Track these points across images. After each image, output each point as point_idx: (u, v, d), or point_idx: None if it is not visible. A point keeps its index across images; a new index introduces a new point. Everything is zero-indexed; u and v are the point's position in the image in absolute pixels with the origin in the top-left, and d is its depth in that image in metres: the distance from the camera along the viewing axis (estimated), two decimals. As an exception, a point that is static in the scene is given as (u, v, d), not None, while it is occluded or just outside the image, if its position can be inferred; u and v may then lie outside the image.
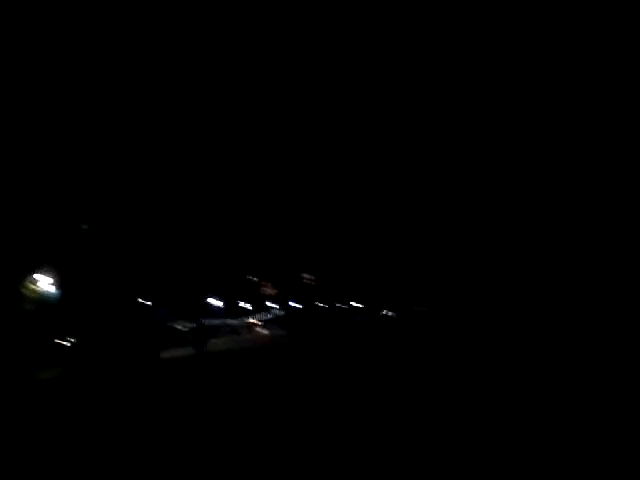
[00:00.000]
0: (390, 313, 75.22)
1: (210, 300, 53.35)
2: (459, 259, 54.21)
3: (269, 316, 63.27)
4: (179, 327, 43.03)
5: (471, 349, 24.45)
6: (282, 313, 64.91)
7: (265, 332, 55.87)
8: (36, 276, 32.66)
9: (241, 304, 59.76)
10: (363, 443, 9.18)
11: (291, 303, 66.85)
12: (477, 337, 31.71)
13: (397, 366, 19.89)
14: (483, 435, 9.09)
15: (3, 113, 31.47)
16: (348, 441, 9.41)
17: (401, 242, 62.53)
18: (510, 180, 42.98)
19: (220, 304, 54.23)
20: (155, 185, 42.60)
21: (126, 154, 39.27)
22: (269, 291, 66.38)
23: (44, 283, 33.04)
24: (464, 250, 52.52)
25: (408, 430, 9.86)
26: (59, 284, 33.36)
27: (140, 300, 41.39)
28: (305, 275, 70.09)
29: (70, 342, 32.38)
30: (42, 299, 32.72)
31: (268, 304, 65.10)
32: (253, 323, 58.91)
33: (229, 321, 54.24)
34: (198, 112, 40.71)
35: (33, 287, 32.61)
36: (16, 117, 32.22)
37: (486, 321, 42.04)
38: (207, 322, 47.44)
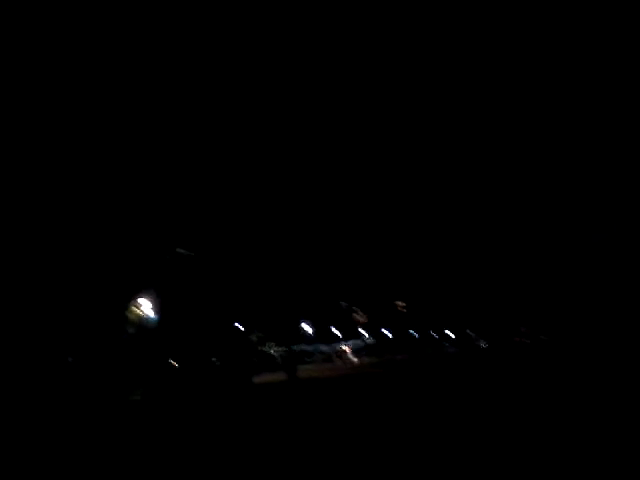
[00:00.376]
0: (484, 343, 72.94)
1: (302, 325, 53.74)
2: (554, 289, 52.09)
3: (360, 343, 62.82)
4: (271, 352, 43.59)
5: (571, 383, 23.14)
6: (373, 341, 64.33)
7: (356, 359, 55.50)
8: (139, 300, 34.15)
9: (332, 330, 59.74)
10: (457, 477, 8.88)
11: (383, 331, 66.18)
12: (578, 369, 30.03)
13: (491, 399, 19.12)
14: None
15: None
16: (440, 475, 9.13)
17: (497, 272, 60.81)
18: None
19: (312, 330, 54.49)
20: (248, 212, 43.70)
21: (217, 181, 40.49)
22: (360, 318, 65.99)
23: (146, 307, 34.46)
24: (560, 280, 50.45)
25: (502, 465, 9.44)
26: (159, 308, 34.65)
27: (234, 324, 42.28)
28: (397, 302, 69.26)
29: (168, 364, 33.54)
30: (143, 322, 34.09)
31: (359, 331, 64.69)
32: (344, 350, 58.70)
33: (320, 347, 54.36)
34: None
35: (136, 311, 34.07)
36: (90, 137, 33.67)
37: (588, 353, 39.85)
38: (298, 348, 47.82)
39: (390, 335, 66.42)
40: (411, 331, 68.77)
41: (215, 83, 35.89)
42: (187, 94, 36.23)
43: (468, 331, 74.46)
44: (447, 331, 75.02)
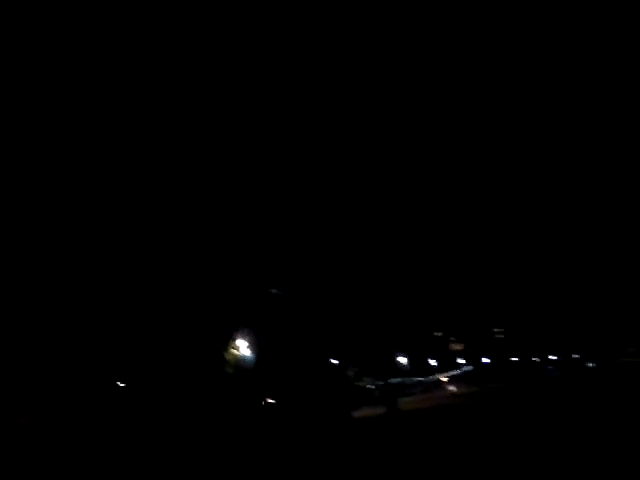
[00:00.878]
0: (590, 365, 69.34)
1: (398, 358, 53.23)
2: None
3: (458, 372, 61.34)
4: (368, 386, 43.37)
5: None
6: (471, 369, 62.65)
7: (455, 389, 54.29)
8: (236, 341, 35.11)
9: (429, 361, 58.70)
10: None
11: (480, 358, 64.36)
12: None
13: (603, 425, 18.31)
14: None
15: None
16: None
17: (601, 290, 58.21)
18: None
19: (407, 361, 53.82)
20: (337, 247, 44.12)
21: (302, 219, 41.07)
22: (457, 347, 64.54)
23: (243, 347, 35.35)
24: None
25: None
26: (256, 348, 35.43)
27: (330, 359, 42.47)
28: (494, 328, 67.31)
29: (267, 402, 34.12)
30: (241, 362, 34.95)
31: (456, 360, 63.21)
32: (442, 380, 57.54)
33: (417, 378, 53.54)
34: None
35: (233, 351, 35.02)
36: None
37: None
38: (396, 380, 47.33)
39: (489, 362, 64.49)
40: (511, 357, 66.48)
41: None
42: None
43: (572, 354, 71.15)
44: (549, 355, 71.92)
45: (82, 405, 28.62)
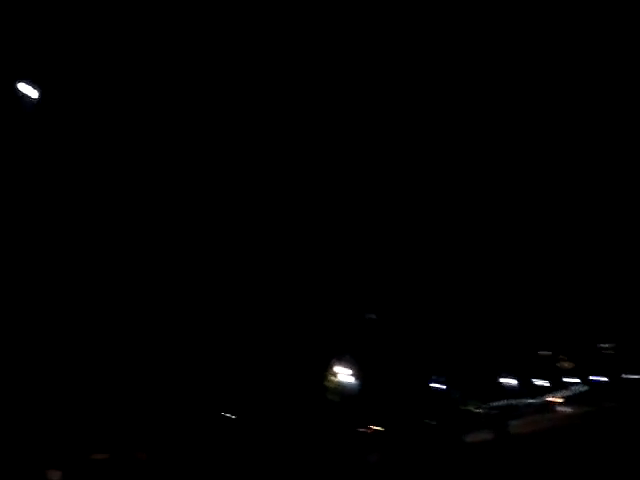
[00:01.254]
0: None
1: (503, 379, 52.08)
2: None
3: (569, 393, 58.99)
4: (475, 409, 42.69)
5: None
6: (584, 389, 60.10)
7: (568, 410, 52.21)
8: (336, 369, 35.69)
9: (537, 381, 56.96)
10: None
11: (593, 377, 61.62)
12: None
13: None
14: None
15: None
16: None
17: None
18: None
19: (514, 383, 52.49)
20: (432, 268, 44.01)
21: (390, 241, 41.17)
22: (566, 365, 62.17)
23: (344, 375, 35.86)
24: None
25: None
26: (357, 374, 35.85)
27: (433, 384, 42.20)
28: (604, 344, 64.45)
29: (373, 430, 34.35)
30: (343, 390, 35.43)
31: (566, 380, 60.86)
32: (552, 401, 55.54)
33: (526, 400, 52.08)
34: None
35: (334, 379, 35.58)
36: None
37: None
38: (503, 403, 46.28)
39: (602, 381, 61.60)
40: (625, 374, 63.18)
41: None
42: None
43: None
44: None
45: (194, 438, 29.90)
